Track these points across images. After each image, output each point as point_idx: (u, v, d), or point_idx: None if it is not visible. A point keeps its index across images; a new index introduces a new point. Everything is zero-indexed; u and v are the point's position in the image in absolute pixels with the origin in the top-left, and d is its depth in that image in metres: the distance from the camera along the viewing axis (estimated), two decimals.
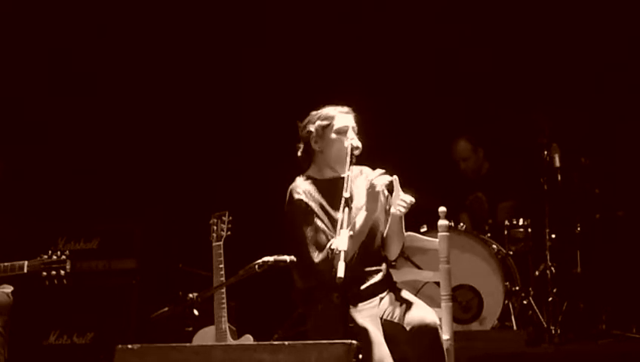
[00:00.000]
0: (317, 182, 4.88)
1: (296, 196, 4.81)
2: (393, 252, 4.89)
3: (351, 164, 4.72)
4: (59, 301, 6.91)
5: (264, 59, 8.07)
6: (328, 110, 4.93)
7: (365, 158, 4.90)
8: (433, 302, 5.04)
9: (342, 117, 4.90)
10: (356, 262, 4.63)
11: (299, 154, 4.97)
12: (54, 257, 5.50)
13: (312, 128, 4.89)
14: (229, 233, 5.81)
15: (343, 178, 4.65)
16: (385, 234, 4.86)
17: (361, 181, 4.87)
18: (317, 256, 4.67)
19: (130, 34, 8.08)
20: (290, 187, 4.87)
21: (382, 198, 4.80)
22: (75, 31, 8.04)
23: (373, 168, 4.80)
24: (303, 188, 4.84)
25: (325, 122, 4.88)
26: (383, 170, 4.73)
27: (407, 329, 4.56)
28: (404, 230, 4.83)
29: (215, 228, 5.84)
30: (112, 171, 8.02)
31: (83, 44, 8.07)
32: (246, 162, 7.91)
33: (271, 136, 7.12)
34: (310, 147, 4.92)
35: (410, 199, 4.68)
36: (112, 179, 7.99)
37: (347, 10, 8.01)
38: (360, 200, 4.77)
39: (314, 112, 4.95)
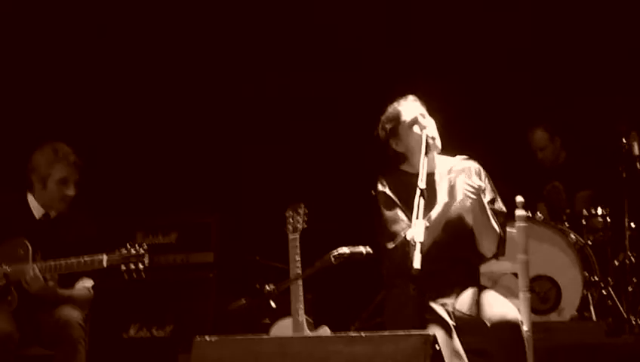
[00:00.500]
0: (408, 176, 4.84)
1: (379, 187, 4.87)
2: (485, 247, 4.78)
3: (427, 153, 4.66)
4: (138, 294, 6.99)
5: (343, 53, 8.06)
6: (393, 108, 4.93)
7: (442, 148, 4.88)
8: (511, 293, 5.01)
9: (407, 109, 4.89)
10: (440, 254, 4.60)
11: (390, 155, 4.95)
12: (133, 251, 5.54)
13: (385, 134, 4.91)
14: (305, 225, 5.82)
15: (434, 173, 4.71)
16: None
17: (460, 178, 4.78)
18: (390, 244, 4.71)
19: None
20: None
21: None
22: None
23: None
24: (386, 179, 4.87)
25: (394, 122, 4.88)
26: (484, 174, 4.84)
27: (489, 324, 4.52)
28: (493, 222, 4.74)
29: (291, 220, 5.85)
30: (188, 165, 8.08)
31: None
32: (322, 154, 7.91)
33: (349, 128, 7.11)
34: (394, 150, 4.92)
35: (478, 183, 4.63)
36: (188, 173, 8.06)
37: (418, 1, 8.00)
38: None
39: (382, 117, 4.95)
